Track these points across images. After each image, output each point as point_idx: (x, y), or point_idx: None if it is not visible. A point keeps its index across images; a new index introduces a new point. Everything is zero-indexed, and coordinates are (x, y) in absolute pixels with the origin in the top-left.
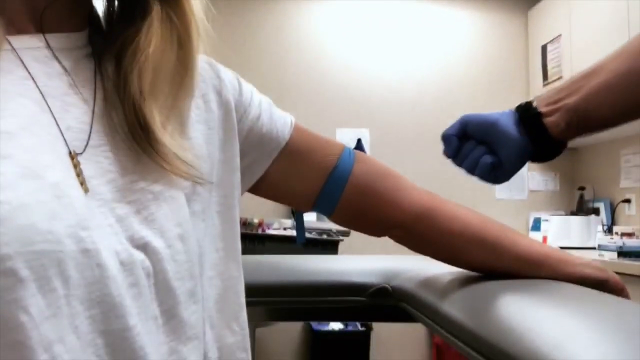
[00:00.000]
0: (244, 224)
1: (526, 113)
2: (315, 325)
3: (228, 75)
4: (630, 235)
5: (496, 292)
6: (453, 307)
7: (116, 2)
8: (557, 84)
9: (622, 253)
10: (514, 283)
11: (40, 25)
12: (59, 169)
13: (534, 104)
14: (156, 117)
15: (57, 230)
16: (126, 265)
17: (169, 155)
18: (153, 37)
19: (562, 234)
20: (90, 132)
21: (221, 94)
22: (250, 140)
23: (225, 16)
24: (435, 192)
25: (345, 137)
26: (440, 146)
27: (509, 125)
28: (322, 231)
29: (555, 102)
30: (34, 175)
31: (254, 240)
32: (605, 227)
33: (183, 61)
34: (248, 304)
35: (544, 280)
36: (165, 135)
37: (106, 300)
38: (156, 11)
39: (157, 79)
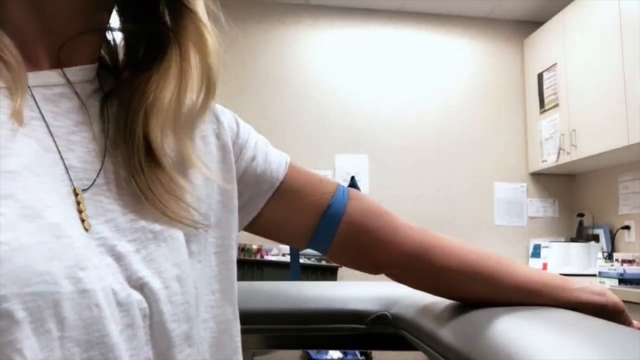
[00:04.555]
0: (243, 250)
1: None
2: (314, 354)
3: (227, 117)
4: (630, 262)
5: (496, 320)
6: (453, 335)
7: (140, 47)
8: (554, 112)
9: (623, 280)
10: (514, 311)
11: (56, 61)
12: (60, 208)
13: None
14: (162, 159)
15: (55, 271)
16: (123, 306)
17: (169, 201)
18: (165, 80)
19: (562, 260)
20: (99, 171)
21: (220, 136)
22: (246, 181)
23: (225, 44)
24: (434, 217)
25: (345, 163)
26: (439, 171)
27: None
28: (320, 257)
29: None
30: (34, 215)
31: (253, 267)
32: (606, 254)
33: (192, 105)
34: (245, 331)
35: (543, 307)
36: (165, 175)
37: (105, 342)
38: (175, 54)
39: (162, 120)
